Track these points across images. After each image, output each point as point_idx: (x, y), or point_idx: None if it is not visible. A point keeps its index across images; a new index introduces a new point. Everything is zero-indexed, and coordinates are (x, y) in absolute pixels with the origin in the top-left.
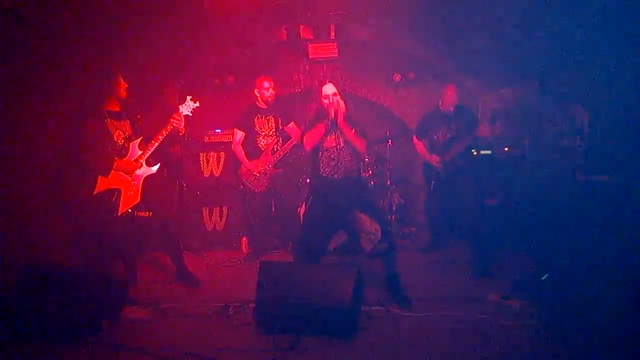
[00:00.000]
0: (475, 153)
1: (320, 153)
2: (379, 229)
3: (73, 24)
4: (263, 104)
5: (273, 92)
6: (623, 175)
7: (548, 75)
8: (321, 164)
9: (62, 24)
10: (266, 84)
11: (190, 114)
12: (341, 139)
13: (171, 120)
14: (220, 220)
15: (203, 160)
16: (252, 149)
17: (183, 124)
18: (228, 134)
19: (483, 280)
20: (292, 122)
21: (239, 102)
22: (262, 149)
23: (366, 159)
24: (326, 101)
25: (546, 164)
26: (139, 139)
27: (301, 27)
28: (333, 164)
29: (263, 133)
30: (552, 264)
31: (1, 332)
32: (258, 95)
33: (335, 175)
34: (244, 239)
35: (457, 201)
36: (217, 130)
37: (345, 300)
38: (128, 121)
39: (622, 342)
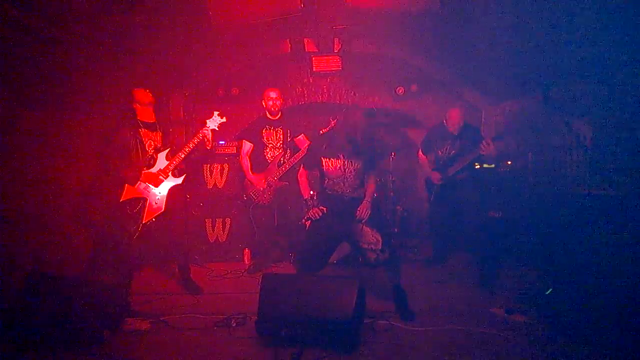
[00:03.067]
0: (478, 166)
1: (327, 180)
2: (380, 239)
3: (78, 36)
4: (271, 115)
5: (279, 103)
6: (627, 188)
7: (552, 89)
8: (327, 187)
9: (67, 35)
10: (272, 94)
11: (217, 129)
12: (347, 169)
13: (198, 134)
14: (223, 231)
15: (206, 171)
16: (259, 161)
17: (210, 137)
18: (232, 146)
19: (487, 294)
20: (302, 134)
21: (243, 114)
22: (269, 161)
23: None
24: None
25: (550, 178)
26: (167, 150)
27: (305, 40)
28: (338, 189)
29: (270, 145)
30: (556, 278)
31: (3, 341)
32: (264, 105)
33: (341, 194)
34: (247, 250)
35: (459, 214)
36: (220, 142)
37: (348, 313)
38: (160, 133)
39: (627, 356)
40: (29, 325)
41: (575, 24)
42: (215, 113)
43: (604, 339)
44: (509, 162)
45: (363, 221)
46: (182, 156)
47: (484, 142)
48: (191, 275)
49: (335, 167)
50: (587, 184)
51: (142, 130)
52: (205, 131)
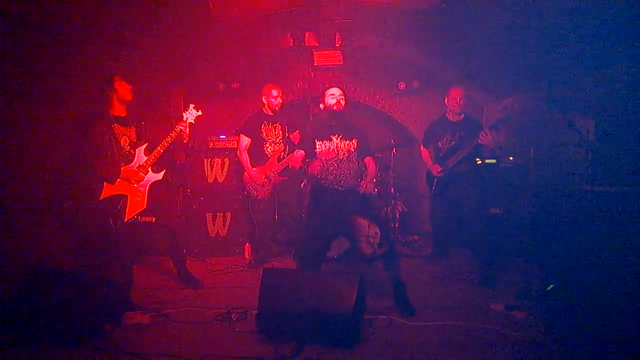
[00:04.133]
0: (479, 162)
1: (325, 164)
2: (378, 233)
3: (79, 29)
4: (269, 111)
5: (280, 101)
6: (628, 185)
7: (554, 85)
8: (321, 177)
9: (67, 29)
10: (274, 92)
11: (193, 122)
12: (340, 151)
13: (175, 127)
14: (224, 226)
15: (207, 166)
16: (258, 155)
17: (188, 131)
18: (232, 140)
19: (486, 290)
20: (298, 131)
21: (243, 108)
22: (269, 156)
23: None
24: (332, 101)
25: (552, 174)
26: (145, 145)
27: (307, 34)
28: (332, 176)
29: (270, 140)
30: (557, 274)
31: (3, 335)
32: (265, 102)
33: (335, 186)
34: (247, 245)
35: (460, 209)
36: (221, 137)
37: (348, 308)
38: (134, 127)
39: (627, 354)
40: (29, 319)
41: (578, 21)
42: (191, 106)
43: (605, 336)
44: (511, 158)
45: (367, 191)
46: (161, 151)
47: (482, 132)
48: (188, 269)
49: (328, 150)
50: (590, 181)
51: (115, 126)
52: (182, 125)
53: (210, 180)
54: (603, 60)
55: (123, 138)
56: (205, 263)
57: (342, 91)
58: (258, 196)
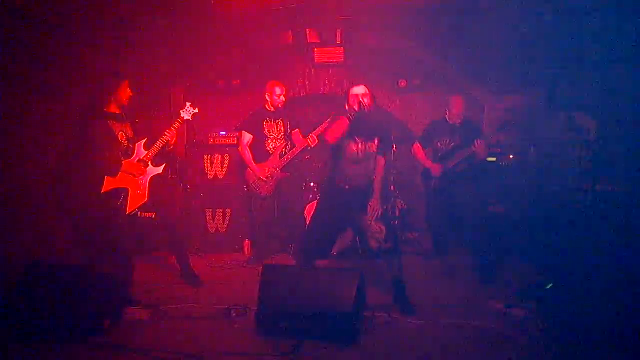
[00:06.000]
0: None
1: (343, 163)
2: (384, 229)
3: (79, 25)
4: (272, 108)
5: (284, 99)
6: (629, 185)
7: (556, 83)
8: (337, 174)
9: (67, 25)
10: (278, 90)
11: (191, 119)
12: (360, 152)
13: (174, 124)
14: (223, 222)
15: (207, 162)
16: (260, 152)
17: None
18: (232, 137)
19: (486, 288)
20: (297, 129)
21: (243, 105)
22: (271, 152)
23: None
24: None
25: (552, 172)
26: (144, 140)
27: (308, 31)
28: (349, 174)
29: (272, 136)
30: (556, 273)
31: (2, 331)
32: (268, 99)
33: (347, 185)
34: (247, 241)
35: (459, 207)
36: (221, 133)
37: (348, 305)
38: (128, 123)
39: (626, 353)
40: (29, 314)
41: (579, 18)
42: (188, 104)
43: (604, 335)
44: (511, 157)
45: (375, 219)
46: (160, 145)
47: (477, 140)
48: (191, 266)
49: (351, 151)
50: (590, 180)
51: (111, 122)
52: (179, 122)
53: (211, 177)
54: (605, 59)
55: (120, 133)
56: (205, 259)
57: (367, 88)
58: (261, 193)
